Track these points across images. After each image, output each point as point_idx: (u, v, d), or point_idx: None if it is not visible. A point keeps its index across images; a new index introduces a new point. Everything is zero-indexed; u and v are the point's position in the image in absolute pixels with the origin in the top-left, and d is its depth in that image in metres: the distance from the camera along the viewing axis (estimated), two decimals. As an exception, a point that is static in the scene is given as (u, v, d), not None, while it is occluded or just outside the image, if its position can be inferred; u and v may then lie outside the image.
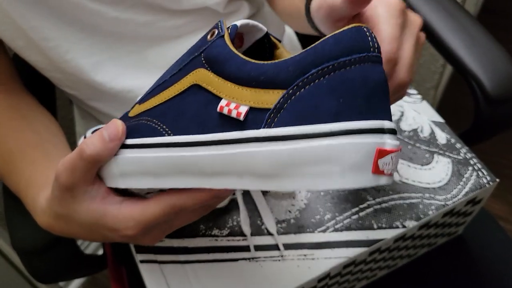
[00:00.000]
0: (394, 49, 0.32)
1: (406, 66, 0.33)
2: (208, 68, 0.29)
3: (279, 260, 0.42)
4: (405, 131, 0.50)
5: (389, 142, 0.26)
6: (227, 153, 0.28)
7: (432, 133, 0.50)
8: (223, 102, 0.28)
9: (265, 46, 0.33)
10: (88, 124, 0.60)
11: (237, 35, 0.32)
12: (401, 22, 0.34)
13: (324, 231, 0.44)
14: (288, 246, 0.43)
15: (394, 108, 0.52)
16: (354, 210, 0.45)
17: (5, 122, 0.44)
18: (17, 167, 0.42)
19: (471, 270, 0.54)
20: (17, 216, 0.47)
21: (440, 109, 0.52)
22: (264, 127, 0.26)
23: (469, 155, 0.48)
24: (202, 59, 0.30)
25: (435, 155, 0.48)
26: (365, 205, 0.45)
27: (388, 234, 0.43)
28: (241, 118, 0.27)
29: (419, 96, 0.53)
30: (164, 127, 0.31)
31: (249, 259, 0.43)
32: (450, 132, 0.50)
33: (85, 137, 0.37)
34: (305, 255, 0.42)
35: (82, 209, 0.33)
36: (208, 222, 0.45)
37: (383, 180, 0.26)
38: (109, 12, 0.44)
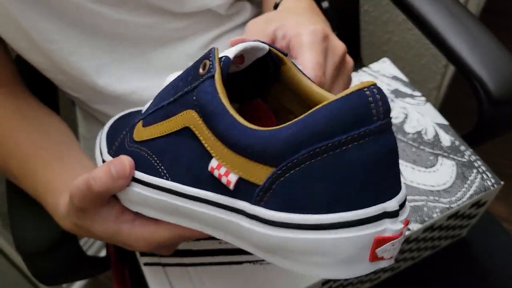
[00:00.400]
0: (320, 75, 0.33)
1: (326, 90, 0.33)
2: (200, 114, 0.27)
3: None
4: (409, 133, 0.50)
5: (389, 228, 0.23)
6: (221, 217, 0.27)
7: (436, 135, 0.50)
8: (213, 163, 0.26)
9: (268, 63, 0.31)
10: (90, 125, 0.59)
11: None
12: (324, 48, 0.35)
13: (328, 233, 0.44)
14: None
15: (398, 110, 0.52)
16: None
17: (14, 123, 0.44)
18: (31, 169, 0.42)
19: (475, 273, 0.54)
20: (21, 216, 0.47)
21: (442, 110, 0.52)
22: (254, 203, 0.25)
23: (473, 158, 0.48)
24: (194, 98, 0.28)
25: (439, 158, 0.48)
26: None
27: (392, 237, 0.43)
28: (231, 187, 0.26)
29: (423, 98, 0.53)
30: (163, 168, 0.30)
31: (253, 261, 0.43)
32: (454, 134, 0.50)
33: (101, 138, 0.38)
34: (309, 258, 0.42)
35: (96, 227, 0.34)
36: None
37: (382, 265, 0.24)
38: (111, 14, 0.44)
